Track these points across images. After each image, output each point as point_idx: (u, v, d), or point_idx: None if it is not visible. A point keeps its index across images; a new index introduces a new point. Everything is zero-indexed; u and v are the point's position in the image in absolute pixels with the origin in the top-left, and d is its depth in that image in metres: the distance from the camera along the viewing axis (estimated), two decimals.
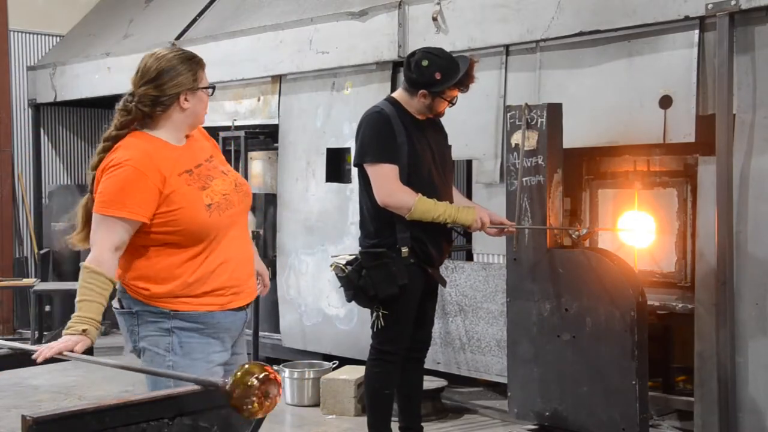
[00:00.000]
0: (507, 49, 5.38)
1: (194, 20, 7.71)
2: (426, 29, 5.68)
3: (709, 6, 4.39)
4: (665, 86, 4.68)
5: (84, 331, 2.78)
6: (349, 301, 4.40)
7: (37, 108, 9.13)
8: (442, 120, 4.51)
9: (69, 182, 9.38)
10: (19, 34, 9.09)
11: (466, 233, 7.34)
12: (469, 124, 5.46)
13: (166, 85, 2.99)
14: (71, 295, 8.53)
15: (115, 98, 8.77)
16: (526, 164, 4.67)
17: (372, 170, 4.19)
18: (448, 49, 5.59)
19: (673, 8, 4.56)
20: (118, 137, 2.99)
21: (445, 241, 4.41)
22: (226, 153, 6.97)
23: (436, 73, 4.18)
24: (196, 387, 2.41)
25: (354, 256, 4.33)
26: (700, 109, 4.55)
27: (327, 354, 6.30)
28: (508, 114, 4.78)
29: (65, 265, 8.68)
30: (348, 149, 6.27)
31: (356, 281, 4.25)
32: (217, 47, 7.09)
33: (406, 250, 4.21)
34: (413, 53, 4.28)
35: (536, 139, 4.64)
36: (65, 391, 6.31)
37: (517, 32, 5.25)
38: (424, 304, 4.41)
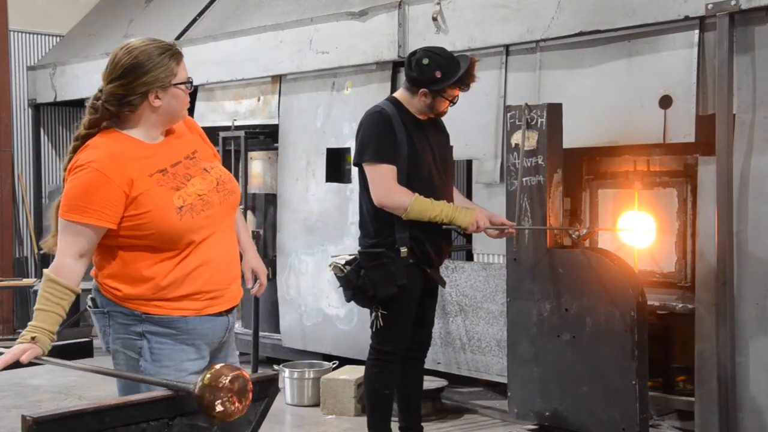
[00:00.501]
0: (507, 49, 5.38)
1: (194, 20, 7.71)
2: (426, 29, 5.68)
3: (709, 6, 4.39)
4: (665, 86, 4.68)
5: (33, 339, 2.67)
6: (348, 301, 4.40)
7: (37, 108, 9.13)
8: (443, 119, 4.51)
9: None
10: (19, 34, 9.09)
11: (466, 233, 7.34)
12: (469, 124, 5.46)
13: (133, 84, 2.76)
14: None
15: None
16: (526, 164, 4.67)
17: (370, 170, 4.19)
18: (448, 48, 5.61)
19: (673, 8, 4.56)
20: (87, 136, 2.81)
21: (444, 241, 4.41)
22: (226, 153, 6.98)
23: (437, 71, 4.18)
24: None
25: (353, 256, 4.33)
26: (700, 109, 4.55)
27: (327, 354, 6.30)
28: (508, 114, 4.77)
29: None
30: (348, 149, 6.27)
31: (355, 281, 4.25)
32: (217, 47, 7.09)
33: (405, 250, 4.21)
34: (414, 52, 4.29)
35: (536, 139, 4.64)
36: (65, 391, 6.31)
37: (517, 32, 5.25)
38: (423, 304, 4.41)
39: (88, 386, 6.42)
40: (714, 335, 4.40)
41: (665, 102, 4.68)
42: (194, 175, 2.85)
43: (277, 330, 6.79)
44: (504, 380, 5.18)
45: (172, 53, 2.81)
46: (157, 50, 2.78)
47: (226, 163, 7.12)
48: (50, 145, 9.29)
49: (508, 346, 4.84)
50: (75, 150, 2.82)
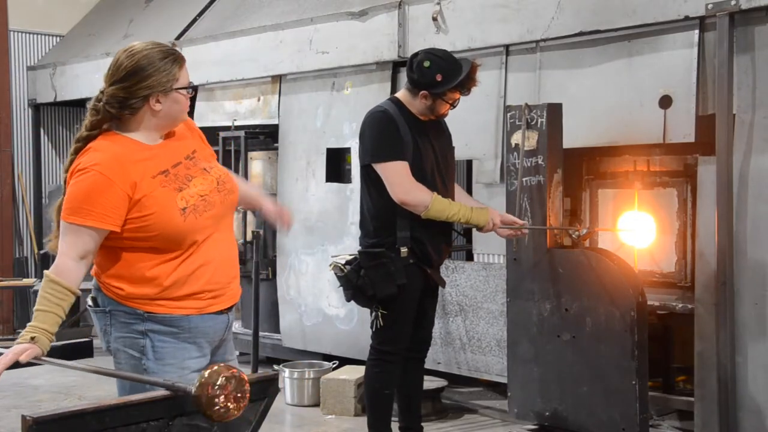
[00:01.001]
0: (507, 49, 5.38)
1: (194, 20, 7.71)
2: (426, 29, 5.68)
3: (709, 6, 4.39)
4: (665, 86, 4.68)
5: (32, 339, 2.68)
6: (348, 300, 4.40)
7: (37, 108, 9.13)
8: (445, 120, 4.51)
9: None
10: (19, 34, 9.09)
11: (466, 233, 7.35)
12: (469, 124, 5.46)
13: (134, 87, 2.76)
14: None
15: None
16: (526, 164, 4.67)
17: (383, 169, 4.17)
18: (448, 49, 5.59)
19: (673, 8, 4.56)
20: (89, 138, 2.81)
21: (444, 242, 4.41)
22: (226, 153, 6.99)
23: (438, 74, 4.17)
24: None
25: (353, 256, 4.33)
26: (700, 109, 4.55)
27: (327, 354, 6.30)
28: (508, 114, 4.78)
29: None
30: (348, 149, 6.27)
31: (355, 281, 4.25)
32: (217, 47, 7.09)
33: (405, 250, 4.21)
34: (416, 54, 4.28)
35: (536, 139, 4.64)
36: (65, 391, 6.31)
37: (517, 32, 5.25)
38: (423, 304, 4.41)
39: (88, 386, 6.42)
40: (714, 335, 4.40)
41: (665, 102, 4.68)
42: (195, 175, 2.87)
43: (277, 330, 6.79)
44: (504, 380, 5.18)
45: (175, 58, 2.82)
46: (159, 54, 2.79)
47: (225, 163, 7.15)
48: (50, 145, 9.29)
49: (508, 346, 4.84)
50: (77, 152, 2.83)
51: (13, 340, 9.11)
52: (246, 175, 6.90)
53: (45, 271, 2.76)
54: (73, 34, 9.35)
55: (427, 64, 4.18)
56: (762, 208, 4.31)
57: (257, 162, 6.93)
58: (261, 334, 6.56)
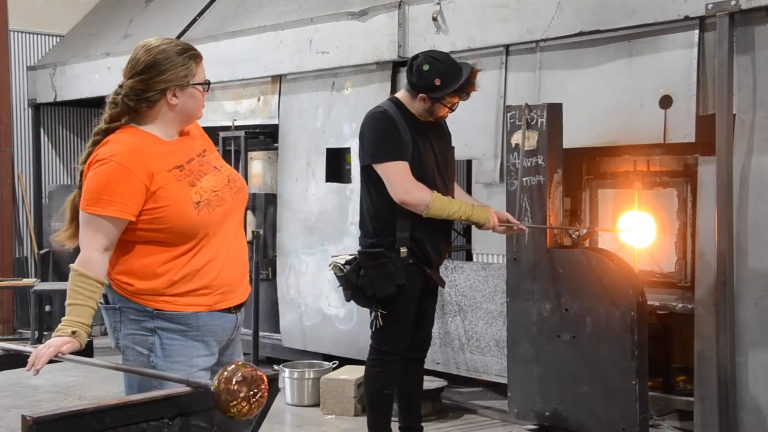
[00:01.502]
0: (507, 49, 5.38)
1: (194, 20, 7.71)
2: (426, 29, 5.68)
3: (709, 6, 4.39)
4: (665, 86, 4.68)
5: (73, 333, 2.72)
6: (347, 300, 4.40)
7: (37, 108, 9.13)
8: (449, 119, 4.50)
9: (69, 182, 9.37)
10: (19, 34, 9.09)
11: (466, 233, 7.35)
12: (469, 124, 5.46)
13: (152, 80, 2.83)
14: None
15: None
16: (526, 164, 4.67)
17: (383, 169, 4.18)
18: (447, 49, 5.60)
19: (673, 8, 4.56)
20: (107, 131, 2.86)
21: (444, 242, 4.41)
22: (226, 153, 6.98)
23: (436, 78, 4.17)
24: (188, 388, 2.40)
25: (353, 256, 4.34)
26: (700, 109, 4.55)
27: (327, 354, 6.30)
28: (508, 114, 4.77)
29: (65, 265, 8.67)
30: (348, 149, 6.27)
31: (354, 281, 4.25)
32: (217, 47, 7.09)
33: (405, 250, 4.22)
34: (416, 56, 4.27)
35: (536, 139, 4.64)
36: (65, 391, 6.31)
37: (517, 32, 5.25)
38: (423, 304, 4.41)
39: (88, 386, 6.42)
40: (714, 335, 4.40)
41: (665, 102, 4.68)
42: (207, 172, 2.91)
43: (277, 330, 6.79)
44: (504, 380, 5.18)
45: (192, 54, 2.90)
46: (176, 50, 2.87)
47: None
48: (50, 145, 9.29)
49: (508, 346, 4.84)
50: (95, 144, 2.86)
51: (13, 340, 9.10)
52: (246, 175, 6.89)
53: (72, 265, 2.78)
54: (73, 34, 9.35)
55: (426, 67, 4.17)
56: (762, 208, 4.31)
57: (257, 162, 6.93)
58: (261, 334, 6.56)
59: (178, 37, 7.54)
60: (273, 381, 2.63)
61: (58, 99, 8.81)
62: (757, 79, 4.33)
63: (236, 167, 6.95)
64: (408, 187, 4.14)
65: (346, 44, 6.16)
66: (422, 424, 4.61)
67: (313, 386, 5.73)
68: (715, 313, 4.39)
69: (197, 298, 2.85)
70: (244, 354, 6.13)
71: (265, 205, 6.98)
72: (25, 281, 8.13)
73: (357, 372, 5.57)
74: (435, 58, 4.22)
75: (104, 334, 8.64)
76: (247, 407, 2.30)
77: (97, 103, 8.89)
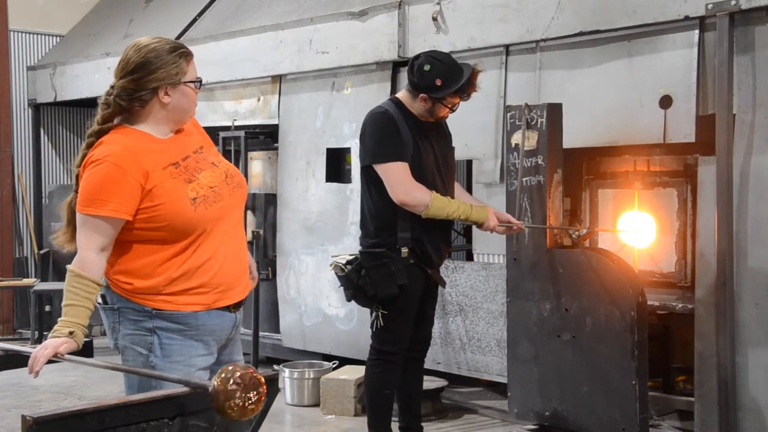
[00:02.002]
0: (507, 49, 5.38)
1: (194, 20, 7.71)
2: (426, 29, 5.68)
3: (709, 6, 4.39)
4: (665, 86, 4.68)
5: (70, 333, 2.72)
6: (348, 300, 4.40)
7: (37, 108, 9.13)
8: (450, 119, 4.50)
9: (69, 182, 9.36)
10: (19, 34, 9.09)
11: (466, 233, 7.34)
12: (469, 124, 5.46)
13: (143, 79, 2.82)
14: None
15: None
16: (526, 164, 4.66)
17: (383, 170, 4.18)
18: (447, 49, 5.60)
19: (673, 8, 4.56)
20: (101, 132, 2.86)
21: (444, 242, 4.41)
22: (226, 153, 6.98)
23: (437, 79, 4.16)
24: (186, 388, 2.40)
25: (354, 256, 4.34)
26: (700, 109, 4.55)
27: (327, 354, 6.30)
28: (508, 114, 4.77)
29: (65, 265, 8.61)
30: (348, 149, 6.27)
31: (356, 281, 4.25)
32: (217, 47, 7.09)
33: (406, 250, 4.22)
34: (417, 56, 4.26)
35: (536, 139, 4.64)
36: (65, 391, 6.31)
37: (517, 32, 5.25)
38: (423, 304, 4.41)
39: (88, 386, 6.43)
40: (714, 335, 4.40)
41: (665, 102, 4.68)
42: (204, 168, 2.91)
43: (277, 330, 6.79)
44: (504, 380, 5.18)
45: (183, 52, 2.90)
46: (167, 48, 2.86)
47: None
48: (50, 145, 9.29)
49: (508, 346, 4.83)
50: (89, 146, 2.86)
51: (13, 340, 9.09)
52: (246, 175, 6.89)
53: (68, 266, 2.79)
54: (73, 34, 9.35)
55: (427, 67, 4.17)
56: (762, 208, 4.31)
57: (257, 162, 6.93)
58: (261, 334, 6.56)
59: (178, 37, 7.54)
60: (273, 381, 2.63)
61: (58, 99, 8.81)
62: (757, 79, 4.33)
63: (236, 167, 6.95)
64: (407, 187, 4.14)
65: (346, 44, 6.16)
66: (422, 424, 4.61)
67: (313, 386, 5.73)
68: (715, 313, 4.39)
69: (196, 297, 2.85)
70: (244, 354, 6.13)
71: (265, 205, 6.98)
72: (25, 281, 8.13)
73: (357, 372, 5.57)
74: (436, 58, 4.22)
75: (104, 334, 8.63)
76: (243, 409, 2.30)
77: (97, 103, 8.93)
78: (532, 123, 4.65)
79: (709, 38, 4.51)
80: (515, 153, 4.70)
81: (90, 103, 8.99)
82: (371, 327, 4.35)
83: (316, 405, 5.66)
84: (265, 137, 6.99)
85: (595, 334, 4.39)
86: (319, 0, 6.60)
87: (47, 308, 8.45)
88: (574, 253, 4.54)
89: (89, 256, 2.77)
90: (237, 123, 7.00)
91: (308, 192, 6.51)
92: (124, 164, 2.75)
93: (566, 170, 4.75)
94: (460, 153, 5.60)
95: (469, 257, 6.08)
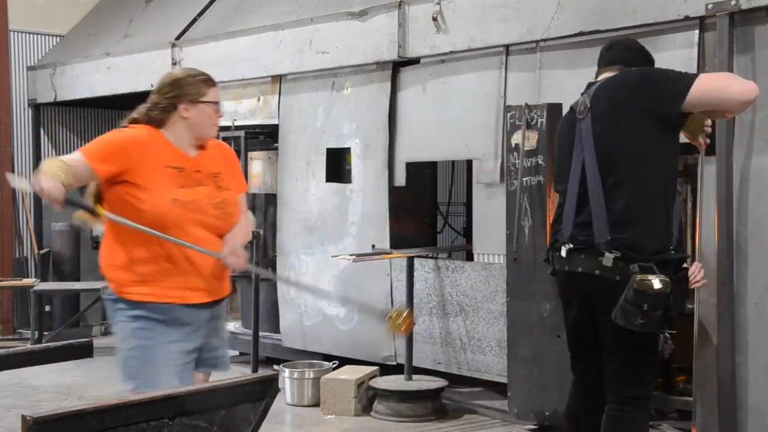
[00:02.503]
0: (507, 49, 5.38)
1: (194, 20, 7.71)
2: (426, 29, 5.68)
3: (709, 6, 4.39)
4: None
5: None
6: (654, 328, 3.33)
7: (37, 108, 9.13)
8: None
9: None
10: (19, 34, 9.09)
11: (466, 233, 7.33)
12: (469, 124, 5.46)
13: (167, 94, 3.33)
14: (71, 295, 8.51)
15: (115, 98, 8.74)
16: (526, 164, 4.67)
17: (697, 90, 3.23)
18: (447, 49, 5.62)
19: (673, 8, 4.56)
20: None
21: None
22: None
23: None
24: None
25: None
26: None
27: (327, 354, 6.30)
28: (508, 114, 4.78)
29: (65, 265, 8.68)
30: (348, 149, 6.27)
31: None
32: (217, 47, 7.09)
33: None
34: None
35: (536, 139, 4.64)
36: (65, 391, 6.31)
37: (517, 32, 5.25)
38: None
39: (88, 386, 6.43)
40: (714, 335, 4.40)
41: None
42: (206, 185, 3.33)
43: (277, 330, 6.79)
44: (504, 380, 5.18)
45: (204, 79, 3.39)
46: (192, 74, 3.40)
47: None
48: (50, 145, 9.29)
49: (508, 346, 4.84)
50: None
51: (13, 340, 9.05)
52: (246, 175, 6.89)
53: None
54: (73, 34, 9.35)
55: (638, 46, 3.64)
56: (762, 208, 4.31)
57: (257, 162, 6.93)
58: (261, 334, 6.56)
59: (178, 37, 7.55)
60: (273, 381, 2.63)
61: (58, 99, 8.81)
62: (757, 79, 4.32)
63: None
64: (734, 80, 3.37)
65: (346, 44, 6.16)
66: (422, 423, 4.56)
67: (313, 386, 5.73)
68: (715, 313, 4.39)
69: (171, 291, 3.22)
70: (244, 354, 6.16)
71: (265, 205, 6.98)
72: (25, 281, 8.13)
73: (357, 372, 5.58)
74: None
75: (104, 334, 8.64)
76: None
77: (97, 103, 8.95)
78: (532, 123, 4.65)
79: (709, 38, 4.51)
80: (515, 153, 4.70)
81: (90, 103, 9.01)
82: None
83: (316, 405, 5.66)
84: (265, 137, 6.99)
85: None
86: (319, 0, 6.60)
87: (47, 308, 8.45)
88: None
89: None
90: (237, 123, 7.00)
91: (308, 192, 6.51)
92: (133, 135, 3.27)
93: None
94: (460, 153, 5.61)
95: (469, 257, 6.09)
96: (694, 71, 4.55)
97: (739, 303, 4.36)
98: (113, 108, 9.40)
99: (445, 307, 5.69)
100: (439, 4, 5.60)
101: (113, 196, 3.23)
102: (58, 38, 9.38)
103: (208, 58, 7.13)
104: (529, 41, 5.22)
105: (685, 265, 3.42)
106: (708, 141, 3.62)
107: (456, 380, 5.81)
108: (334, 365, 5.91)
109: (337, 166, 6.48)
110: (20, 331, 8.65)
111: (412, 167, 6.02)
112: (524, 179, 4.66)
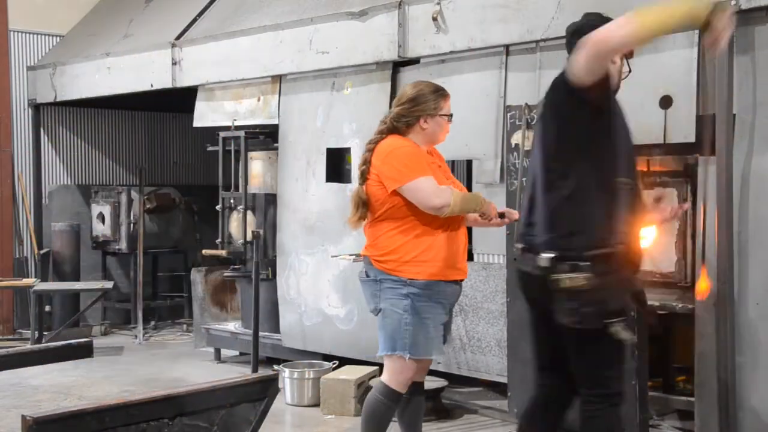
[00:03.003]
0: (507, 49, 5.38)
1: (194, 20, 7.71)
2: (426, 29, 5.68)
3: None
4: (665, 86, 4.68)
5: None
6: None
7: (37, 108, 9.13)
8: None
9: (69, 182, 9.38)
10: (19, 34, 9.09)
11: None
12: (469, 124, 5.46)
13: (411, 109, 3.90)
14: (71, 295, 8.49)
15: (115, 98, 8.72)
16: (526, 164, 4.66)
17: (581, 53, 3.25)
18: (448, 49, 5.62)
19: None
20: (377, 141, 3.93)
21: None
22: (226, 153, 6.99)
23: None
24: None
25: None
26: (700, 109, 4.55)
27: (327, 354, 6.30)
28: (508, 114, 4.78)
29: (65, 265, 8.69)
30: (348, 149, 6.27)
31: None
32: (217, 47, 7.09)
33: None
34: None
35: None
36: (65, 391, 6.31)
37: (517, 32, 5.25)
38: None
39: (88, 386, 6.43)
40: (714, 335, 4.40)
41: (665, 102, 4.68)
42: (448, 179, 3.96)
43: (277, 330, 6.79)
44: (504, 380, 5.18)
45: (442, 93, 3.95)
46: (431, 89, 3.95)
47: (226, 162, 7.13)
48: (50, 145, 9.29)
49: (508, 346, 4.84)
50: (370, 150, 3.93)
51: (13, 339, 9.03)
52: (246, 175, 6.90)
53: (448, 198, 3.78)
54: (73, 34, 9.35)
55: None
56: (763, 208, 4.31)
57: (257, 162, 6.93)
58: (261, 334, 6.56)
59: (178, 37, 7.55)
60: (273, 381, 2.64)
61: (58, 99, 8.81)
62: (757, 79, 4.33)
63: (236, 167, 6.96)
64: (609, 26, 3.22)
65: (346, 44, 6.16)
66: (422, 424, 4.56)
67: (313, 386, 5.73)
68: (715, 313, 4.39)
69: (436, 269, 3.82)
70: (244, 354, 6.13)
71: (265, 205, 6.98)
72: (25, 281, 8.13)
73: (357, 372, 5.58)
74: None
75: (104, 334, 8.65)
76: None
77: (97, 103, 8.95)
78: (532, 123, 4.65)
79: None
80: (515, 153, 4.70)
81: (90, 103, 9.01)
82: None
83: (316, 405, 5.66)
84: (265, 137, 6.99)
85: None
86: (319, 0, 6.60)
87: (47, 308, 8.45)
88: None
89: (443, 188, 3.80)
90: (237, 123, 7.00)
91: (308, 192, 6.51)
92: (418, 147, 3.90)
93: None
94: (460, 153, 5.61)
95: (470, 257, 6.08)
96: (694, 71, 4.56)
97: (739, 303, 4.37)
98: (113, 108, 9.41)
99: None
100: (439, 4, 5.60)
101: (401, 209, 3.84)
102: (58, 38, 9.38)
103: (208, 58, 7.14)
104: (529, 41, 5.22)
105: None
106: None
107: (456, 380, 5.81)
108: (334, 365, 5.91)
109: (337, 166, 6.48)
110: (20, 331, 8.65)
111: None
112: (524, 179, 4.66)
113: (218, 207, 7.07)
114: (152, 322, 9.01)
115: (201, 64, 7.19)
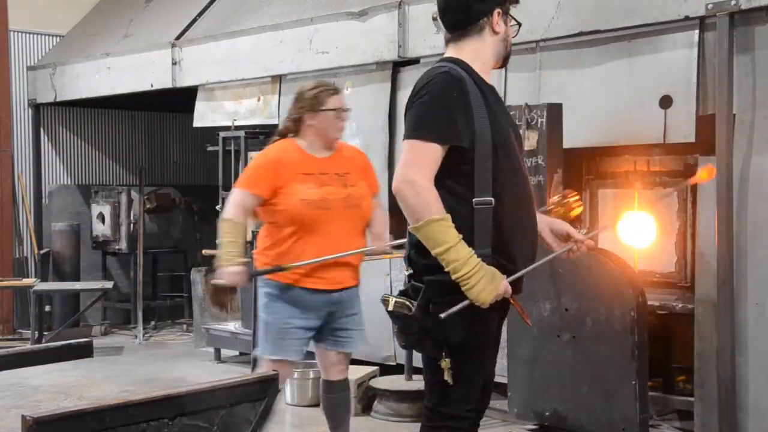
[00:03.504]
0: None
1: (194, 20, 7.71)
2: (426, 29, 5.68)
3: (709, 6, 4.39)
4: (665, 86, 4.68)
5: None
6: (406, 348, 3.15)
7: (37, 108, 9.13)
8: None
9: (69, 182, 9.38)
10: (19, 34, 9.09)
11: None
12: None
13: (295, 106, 4.02)
14: (71, 295, 8.47)
15: (115, 98, 8.69)
16: (526, 164, 4.65)
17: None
18: None
19: (673, 8, 4.56)
20: (275, 141, 4.08)
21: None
22: (226, 153, 6.98)
23: None
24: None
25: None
26: (700, 109, 4.55)
27: None
28: None
29: (65, 265, 8.68)
30: None
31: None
32: (217, 47, 7.09)
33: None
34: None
35: (536, 139, 4.64)
36: (65, 391, 6.31)
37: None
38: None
39: (88, 386, 6.43)
40: (714, 335, 4.40)
41: (665, 102, 4.68)
42: (331, 185, 3.91)
43: None
44: (504, 380, 5.17)
45: (324, 89, 4.03)
46: (311, 86, 4.04)
47: (226, 162, 7.13)
48: (50, 145, 9.29)
49: (508, 346, 4.83)
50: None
51: (13, 339, 9.02)
52: None
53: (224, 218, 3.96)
54: (73, 34, 9.35)
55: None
56: (762, 208, 4.31)
57: None
58: None
59: (178, 37, 7.55)
60: (273, 381, 2.63)
61: (58, 99, 8.81)
62: (757, 79, 4.33)
63: (236, 167, 6.96)
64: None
65: (346, 44, 6.16)
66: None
67: (313, 386, 5.73)
68: (715, 313, 4.39)
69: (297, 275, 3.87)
70: (244, 354, 6.12)
71: None
72: (25, 281, 8.13)
73: (357, 372, 5.57)
74: None
75: (104, 334, 8.65)
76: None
77: (97, 103, 8.95)
78: (532, 123, 4.65)
79: (709, 38, 4.51)
80: None
81: (90, 103, 9.00)
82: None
83: (316, 405, 5.65)
84: (265, 137, 6.98)
85: (595, 334, 4.39)
86: (319, 0, 6.60)
87: (47, 308, 8.45)
88: None
89: (235, 204, 3.91)
90: (237, 123, 7.00)
91: None
92: (273, 156, 3.96)
93: (566, 170, 4.75)
94: None
95: None
96: (694, 71, 4.56)
97: (739, 303, 4.36)
98: (113, 108, 9.41)
99: None
100: None
101: (262, 212, 3.92)
102: (58, 38, 9.38)
103: (208, 58, 7.13)
104: (529, 41, 5.22)
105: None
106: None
107: None
108: None
109: None
110: (20, 331, 8.65)
111: None
112: None
113: (218, 207, 7.07)
114: (152, 322, 9.01)
115: (201, 64, 7.19)
